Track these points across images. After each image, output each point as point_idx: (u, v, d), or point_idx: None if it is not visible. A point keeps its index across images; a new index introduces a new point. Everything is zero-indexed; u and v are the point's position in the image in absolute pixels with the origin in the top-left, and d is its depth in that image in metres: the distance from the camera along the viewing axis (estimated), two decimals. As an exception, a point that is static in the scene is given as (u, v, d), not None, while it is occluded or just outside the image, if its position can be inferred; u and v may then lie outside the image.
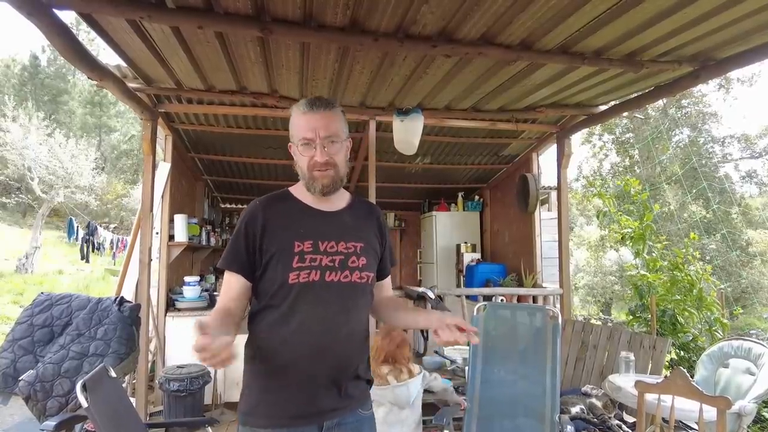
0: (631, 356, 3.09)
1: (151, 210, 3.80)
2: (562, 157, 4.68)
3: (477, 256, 6.44)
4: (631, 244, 5.15)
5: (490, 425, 2.55)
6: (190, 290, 4.39)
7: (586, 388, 3.31)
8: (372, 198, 4.36)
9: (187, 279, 4.44)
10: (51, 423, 2.03)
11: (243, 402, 1.35)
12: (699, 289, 4.60)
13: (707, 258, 10.71)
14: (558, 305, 4.71)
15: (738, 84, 13.65)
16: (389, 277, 1.56)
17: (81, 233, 8.94)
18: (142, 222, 3.79)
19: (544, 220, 5.69)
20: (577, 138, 9.09)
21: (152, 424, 2.54)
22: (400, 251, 7.94)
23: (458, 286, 6.42)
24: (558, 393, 2.45)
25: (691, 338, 4.42)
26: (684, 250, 4.85)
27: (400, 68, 3.28)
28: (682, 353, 4.42)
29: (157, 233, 4.41)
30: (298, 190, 1.42)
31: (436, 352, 3.99)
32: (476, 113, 4.28)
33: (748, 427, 2.88)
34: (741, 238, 12.40)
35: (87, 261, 9.54)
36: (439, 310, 4.53)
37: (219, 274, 5.48)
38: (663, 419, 2.32)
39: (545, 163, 5.78)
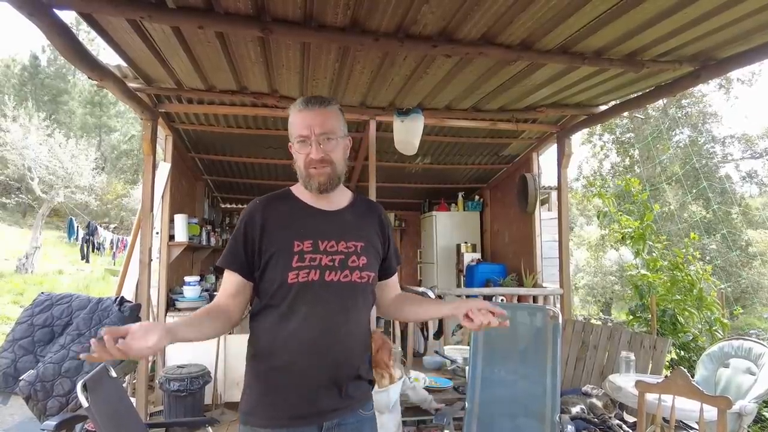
0: (632, 356, 3.08)
1: (151, 210, 3.80)
2: (562, 157, 4.68)
3: (477, 256, 6.44)
4: (631, 244, 5.15)
5: (490, 425, 2.55)
6: (191, 290, 4.39)
7: (587, 388, 3.30)
8: (372, 198, 4.36)
9: (187, 279, 4.44)
10: (51, 423, 2.02)
11: (244, 401, 1.35)
12: (699, 289, 4.60)
13: (707, 258, 10.71)
14: (558, 305, 4.71)
15: (738, 84, 13.65)
16: (396, 276, 1.55)
17: (81, 233, 8.93)
18: (142, 222, 3.79)
19: (544, 220, 5.69)
20: (577, 138, 9.08)
21: (152, 424, 2.54)
22: (400, 251, 7.92)
23: (458, 286, 6.42)
24: (558, 393, 2.45)
25: (691, 338, 4.42)
26: (684, 250, 4.86)
27: (400, 68, 3.28)
28: (682, 353, 4.42)
29: (157, 233, 4.42)
30: (299, 190, 1.42)
31: (437, 352, 3.99)
32: (476, 113, 4.29)
33: (749, 426, 2.88)
34: (741, 238, 12.40)
35: (87, 261, 9.54)
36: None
37: (219, 273, 5.46)
38: (663, 419, 2.32)
39: (545, 163, 5.79)
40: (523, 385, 2.55)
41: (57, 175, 16.02)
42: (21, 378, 2.66)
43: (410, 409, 3.02)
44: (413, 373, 3.08)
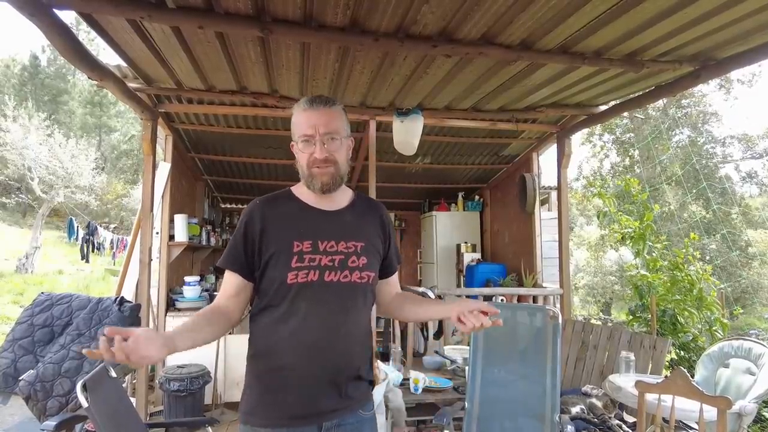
0: (632, 356, 3.08)
1: (151, 210, 3.80)
2: (562, 157, 4.68)
3: (477, 256, 6.44)
4: (631, 244, 5.15)
5: (490, 425, 2.55)
6: (191, 290, 4.39)
7: (586, 388, 3.30)
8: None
9: (187, 279, 4.44)
10: (51, 423, 2.02)
11: (244, 401, 1.35)
12: (699, 289, 4.60)
13: (707, 258, 10.71)
14: (558, 305, 4.71)
15: (738, 84, 13.65)
16: (396, 275, 1.54)
17: (81, 233, 8.94)
18: (142, 222, 3.79)
19: (544, 220, 5.69)
20: (577, 138, 9.08)
21: (152, 424, 2.54)
22: (400, 251, 7.91)
23: (458, 286, 6.42)
24: (558, 393, 2.45)
25: (691, 338, 4.42)
26: (684, 250, 4.85)
27: (400, 68, 3.28)
28: (682, 353, 4.42)
29: (157, 233, 4.41)
30: (300, 190, 1.42)
31: (436, 352, 3.99)
32: (476, 113, 4.28)
33: (749, 427, 2.88)
34: (741, 239, 12.40)
35: (87, 261, 9.54)
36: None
37: (219, 273, 5.48)
38: (663, 419, 2.32)
39: (545, 163, 5.79)
40: (522, 385, 2.55)
41: (57, 175, 16.02)
42: (21, 378, 2.66)
43: (410, 410, 3.03)
44: (413, 374, 3.08)
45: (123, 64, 3.27)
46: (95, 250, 8.97)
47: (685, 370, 2.09)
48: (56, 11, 2.29)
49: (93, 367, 2.36)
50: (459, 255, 6.56)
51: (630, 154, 14.25)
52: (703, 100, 13.76)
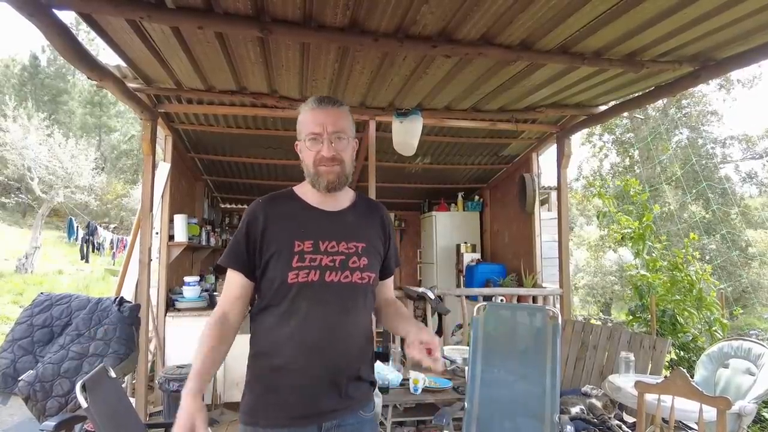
0: (631, 356, 3.08)
1: (151, 210, 3.80)
2: (562, 157, 4.68)
3: (477, 256, 6.44)
4: (631, 244, 5.15)
5: (489, 425, 2.55)
6: (190, 290, 4.39)
7: (586, 388, 3.30)
8: (372, 198, 4.35)
9: (186, 279, 4.44)
10: (51, 423, 2.02)
11: (244, 401, 1.35)
12: (699, 289, 4.59)
13: (707, 258, 10.71)
14: (558, 305, 4.71)
15: (738, 85, 13.66)
16: (391, 277, 1.55)
17: (81, 233, 8.94)
18: (142, 222, 3.79)
19: (544, 220, 5.69)
20: (577, 138, 9.10)
21: (152, 424, 2.55)
22: (400, 251, 7.94)
23: (458, 286, 6.42)
24: (558, 393, 2.45)
25: (690, 338, 4.42)
26: (684, 251, 4.85)
27: (400, 68, 3.28)
28: (681, 353, 4.42)
29: (157, 233, 4.41)
30: (302, 190, 1.42)
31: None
32: (476, 113, 4.28)
33: (748, 427, 2.88)
34: (741, 239, 12.40)
35: (87, 261, 9.55)
36: (439, 310, 4.53)
37: (219, 274, 5.48)
38: (663, 419, 2.32)
39: (545, 163, 5.79)
40: (522, 385, 2.55)
41: (57, 175, 16.01)
42: (20, 378, 2.66)
43: (410, 410, 3.03)
44: (413, 374, 3.07)
45: (123, 64, 3.27)
46: (95, 250, 8.97)
47: (685, 371, 2.09)
48: (56, 11, 2.29)
49: (92, 367, 2.37)
50: (459, 255, 6.56)
51: (630, 154, 14.26)
52: (703, 100, 13.77)
